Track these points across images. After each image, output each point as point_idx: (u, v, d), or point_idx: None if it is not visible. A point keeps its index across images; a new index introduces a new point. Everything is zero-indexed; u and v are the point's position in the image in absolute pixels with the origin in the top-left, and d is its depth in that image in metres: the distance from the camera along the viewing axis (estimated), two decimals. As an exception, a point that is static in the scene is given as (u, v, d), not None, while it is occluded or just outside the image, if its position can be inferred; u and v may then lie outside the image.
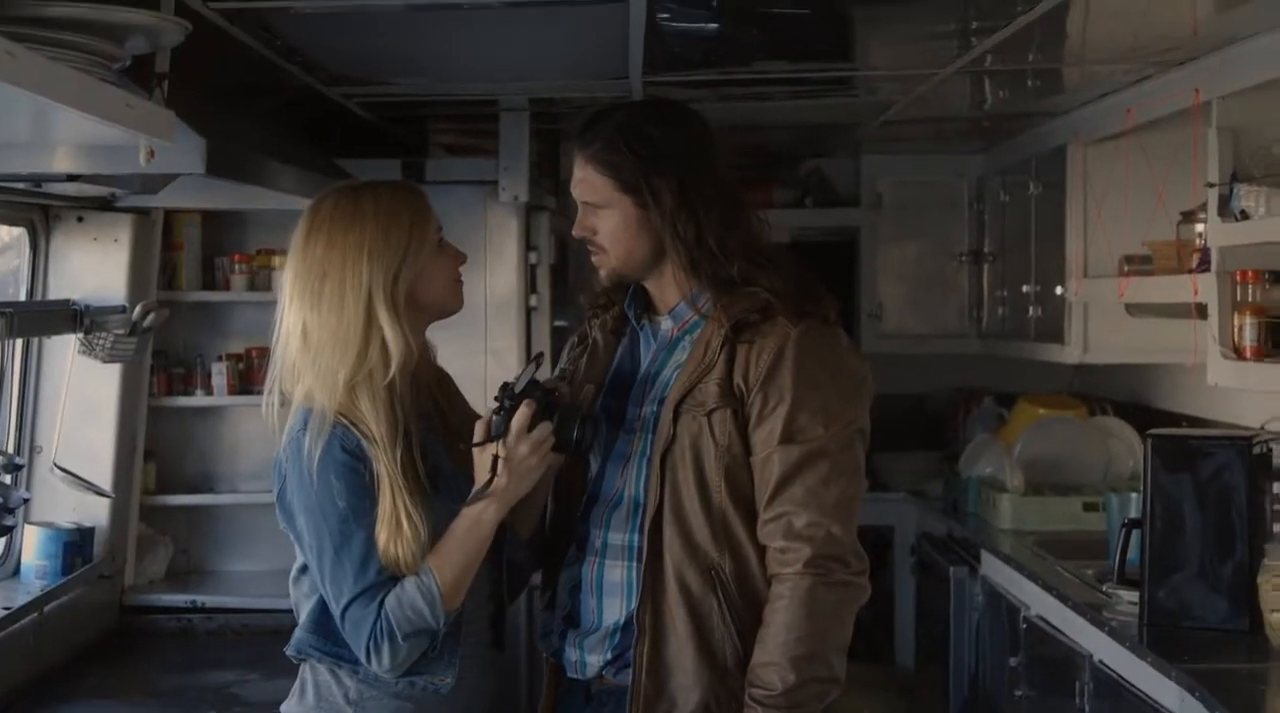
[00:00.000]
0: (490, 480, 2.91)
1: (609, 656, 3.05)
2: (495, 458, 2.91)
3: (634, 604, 3.00)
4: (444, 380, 3.18)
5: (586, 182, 3.08)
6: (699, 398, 2.98)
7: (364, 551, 2.85)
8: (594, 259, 3.14)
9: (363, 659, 2.88)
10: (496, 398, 2.96)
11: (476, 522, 2.92)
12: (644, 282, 3.14)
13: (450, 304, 3.07)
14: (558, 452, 2.99)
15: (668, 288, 3.12)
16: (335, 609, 2.88)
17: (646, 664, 2.97)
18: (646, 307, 3.18)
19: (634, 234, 3.05)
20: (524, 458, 2.92)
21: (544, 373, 3.19)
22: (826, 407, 2.95)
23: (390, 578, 2.86)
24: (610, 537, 3.07)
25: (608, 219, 3.07)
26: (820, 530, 2.91)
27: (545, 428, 2.93)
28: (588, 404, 3.08)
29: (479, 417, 3.06)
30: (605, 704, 3.07)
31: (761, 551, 2.97)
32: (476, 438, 2.94)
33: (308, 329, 2.91)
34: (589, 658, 3.08)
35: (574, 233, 3.15)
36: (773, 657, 2.90)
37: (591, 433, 3.01)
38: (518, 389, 2.95)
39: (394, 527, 2.84)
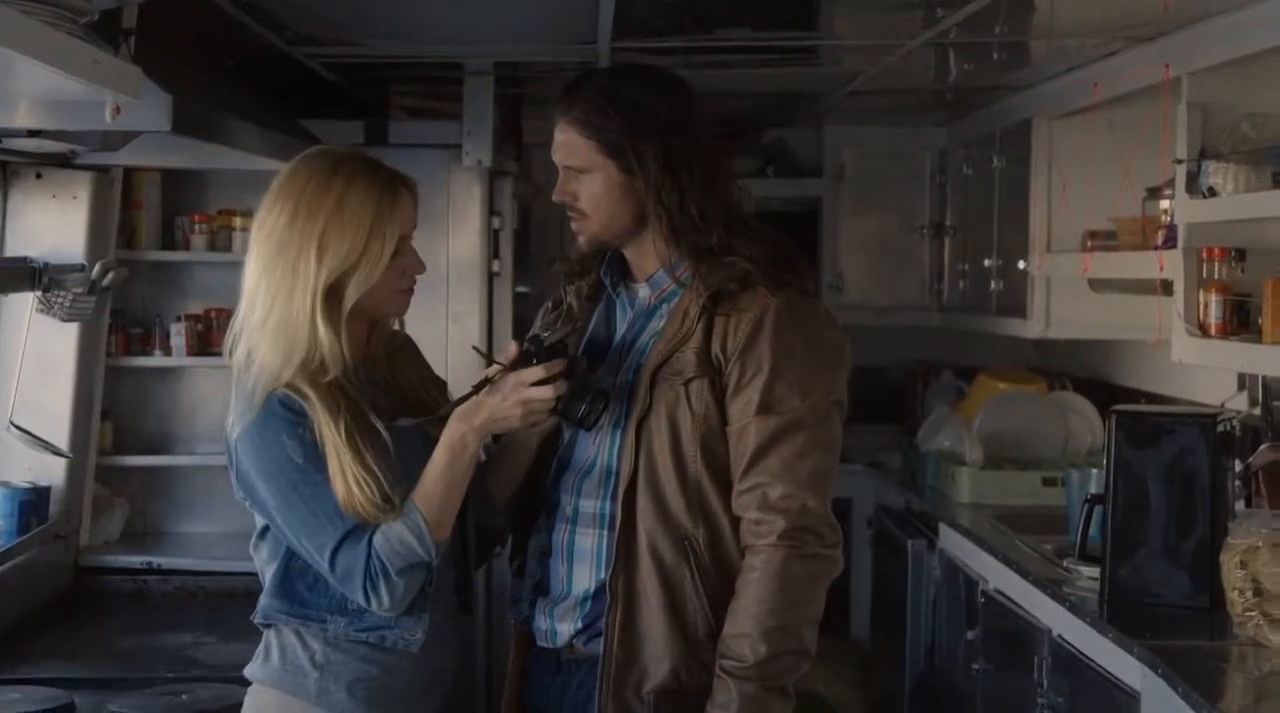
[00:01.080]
0: (470, 394, 2.88)
1: (579, 624, 3.03)
2: (485, 379, 2.89)
3: (605, 573, 2.98)
4: (406, 350, 3.13)
5: (569, 145, 3.04)
6: (676, 367, 2.96)
7: (335, 498, 2.82)
8: (574, 225, 3.09)
9: (362, 602, 2.85)
10: (519, 347, 2.93)
11: (455, 450, 2.88)
12: (623, 248, 3.12)
13: (390, 310, 3.03)
14: (561, 417, 2.95)
15: (647, 255, 3.09)
16: (322, 563, 2.84)
17: (618, 634, 2.95)
18: (624, 274, 3.16)
19: (616, 199, 3.01)
20: (511, 402, 2.87)
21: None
22: (804, 378, 2.93)
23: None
24: (581, 504, 3.04)
25: (590, 184, 3.02)
26: (795, 503, 2.89)
27: (541, 383, 2.87)
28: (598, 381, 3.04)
29: (434, 383, 3.10)
30: (575, 673, 3.05)
31: (735, 521, 2.95)
32: (491, 372, 2.91)
33: (257, 301, 2.87)
34: (559, 626, 3.06)
35: (554, 198, 3.10)
36: (744, 628, 2.88)
37: (600, 411, 2.96)
38: (547, 341, 2.92)
39: (346, 486, 2.81)
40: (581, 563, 3.04)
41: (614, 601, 2.96)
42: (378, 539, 2.83)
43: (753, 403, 2.92)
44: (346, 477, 2.81)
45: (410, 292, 3.01)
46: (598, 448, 3.04)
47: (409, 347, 3.15)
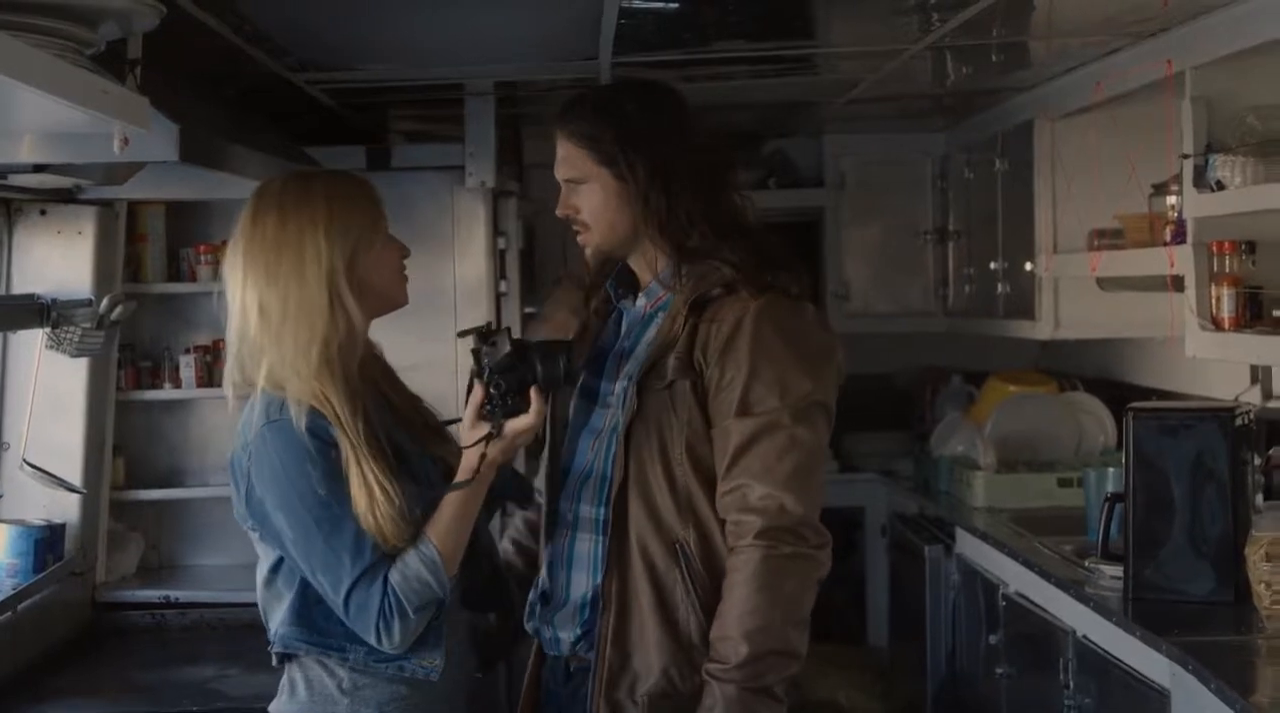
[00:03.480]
0: (479, 468, 2.88)
1: (579, 631, 3.07)
2: (488, 436, 2.89)
3: (600, 577, 3.01)
4: (389, 375, 3.14)
5: (567, 159, 3.11)
6: (660, 371, 3.00)
7: (355, 533, 2.81)
8: (579, 239, 3.16)
9: (371, 641, 2.84)
10: (483, 380, 2.91)
11: (469, 497, 2.89)
12: (627, 259, 3.17)
13: (397, 294, 3.03)
14: (553, 389, 2.98)
15: (645, 265, 3.15)
16: (335, 598, 2.83)
17: (611, 637, 2.99)
18: (631, 286, 3.21)
19: (614, 209, 3.08)
20: (517, 445, 2.94)
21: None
22: (783, 378, 2.95)
23: (385, 555, 2.82)
24: (580, 509, 3.10)
25: (589, 195, 3.09)
26: (773, 503, 2.92)
27: (537, 423, 2.92)
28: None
29: (422, 404, 3.11)
30: (584, 682, 3.07)
31: (724, 524, 2.98)
32: (466, 440, 2.91)
33: (265, 305, 2.86)
34: (560, 634, 3.10)
35: (557, 213, 3.16)
36: (727, 630, 2.91)
37: (568, 358, 2.96)
38: (495, 367, 2.90)
39: (369, 496, 2.80)
40: (579, 569, 3.08)
41: (607, 605, 3.00)
42: (395, 577, 2.82)
43: (732, 404, 2.95)
44: (368, 483, 2.80)
45: (405, 277, 3.03)
46: (595, 454, 3.09)
47: (391, 371, 3.16)
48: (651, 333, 3.09)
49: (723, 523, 2.98)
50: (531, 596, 3.21)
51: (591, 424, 3.13)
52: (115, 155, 2.88)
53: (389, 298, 3.00)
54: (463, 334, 3.01)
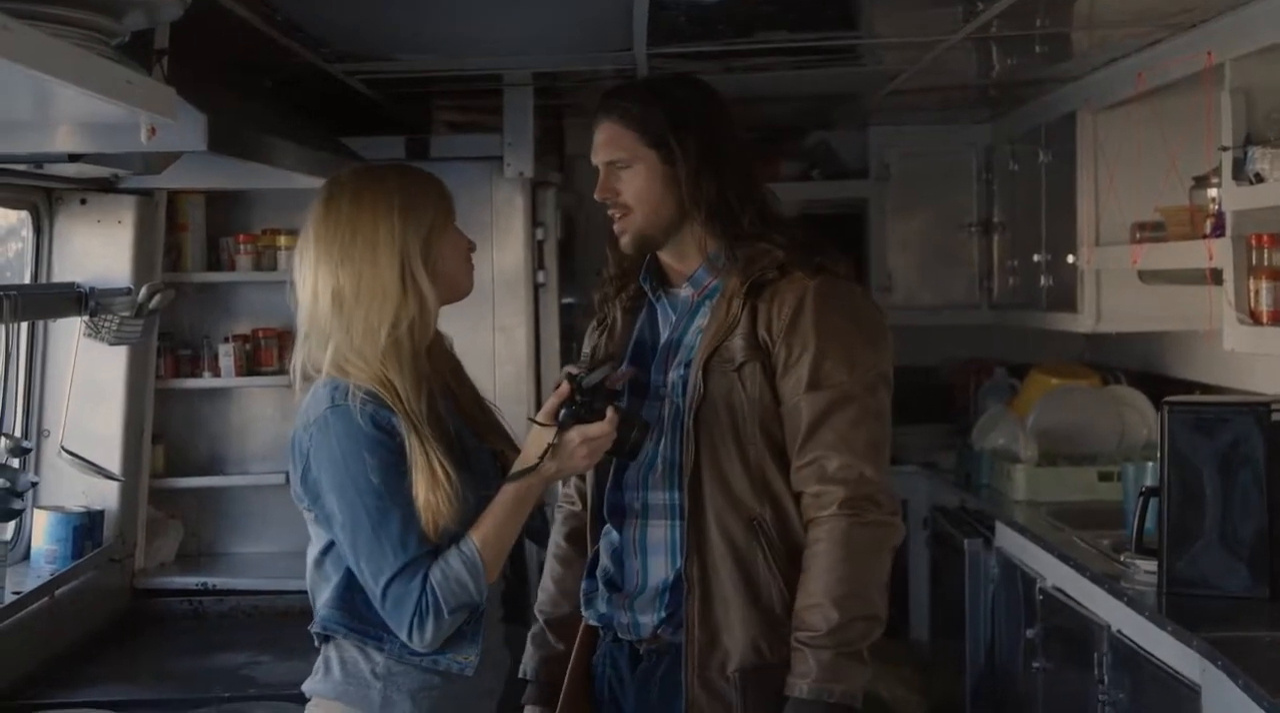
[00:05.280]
0: (538, 464, 2.90)
1: (663, 614, 3.10)
2: (550, 445, 2.89)
3: (680, 562, 3.05)
4: (458, 369, 3.16)
5: (612, 140, 3.13)
6: (726, 355, 3.03)
7: (402, 526, 2.82)
8: (617, 225, 3.16)
9: (403, 636, 2.85)
10: (570, 385, 2.93)
11: (522, 498, 2.91)
12: (663, 250, 3.18)
13: (465, 282, 3.05)
14: (609, 454, 2.98)
15: (687, 253, 3.16)
16: (374, 588, 2.84)
17: (699, 619, 3.02)
18: (662, 280, 3.22)
19: (659, 191, 3.10)
20: (578, 456, 2.92)
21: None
22: (849, 353, 3.01)
23: (428, 552, 2.83)
24: (650, 497, 3.12)
25: (632, 177, 3.11)
26: (853, 472, 2.97)
27: (606, 435, 2.92)
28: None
29: (485, 401, 3.12)
30: (659, 662, 3.11)
31: (799, 498, 3.03)
32: (541, 418, 2.93)
33: (337, 287, 2.88)
34: (641, 619, 3.13)
35: (596, 196, 3.18)
36: (815, 599, 2.94)
37: (644, 441, 3.00)
38: (586, 384, 2.92)
39: (431, 478, 2.81)
40: (656, 555, 3.11)
41: (690, 587, 3.03)
42: (436, 576, 2.83)
43: (802, 380, 3.00)
44: (433, 466, 2.81)
45: (473, 266, 3.06)
46: (656, 444, 3.09)
47: (460, 366, 3.17)
48: (702, 321, 3.11)
49: (797, 497, 3.03)
50: (587, 586, 3.24)
51: (645, 416, 3.11)
52: (143, 145, 2.89)
53: (457, 285, 3.02)
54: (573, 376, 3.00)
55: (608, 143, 3.13)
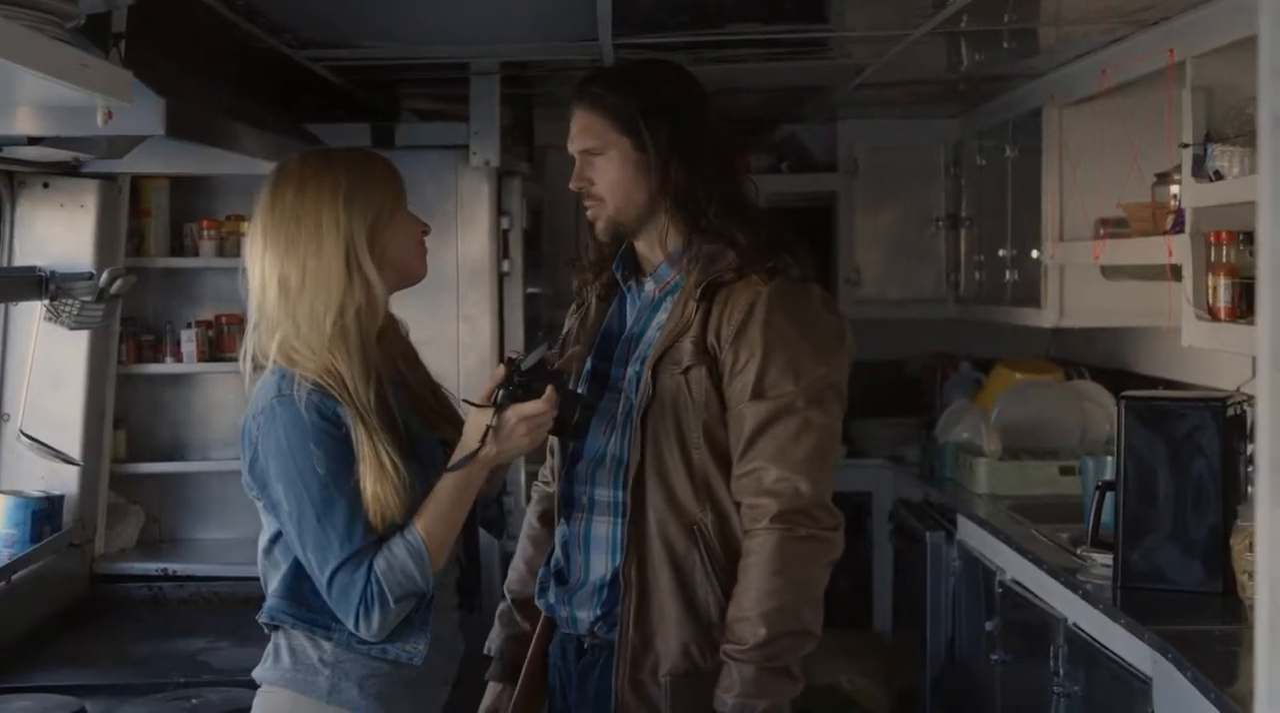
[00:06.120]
0: (478, 450, 2.89)
1: (598, 611, 3.10)
2: (489, 427, 2.89)
3: (619, 560, 3.04)
4: (408, 352, 3.15)
5: (586, 128, 3.12)
6: (675, 356, 3.02)
7: (348, 516, 2.82)
8: (590, 213, 3.17)
9: (350, 625, 2.86)
10: (508, 368, 2.92)
11: (464, 484, 2.91)
12: (637, 238, 3.17)
13: (417, 267, 3.04)
14: (553, 433, 3.00)
15: (656, 245, 3.16)
16: (320, 577, 2.85)
17: (633, 619, 3.02)
18: (635, 269, 3.22)
19: (631, 179, 3.09)
20: (517, 436, 2.90)
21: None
22: (796, 362, 2.99)
23: (374, 542, 2.84)
24: (596, 493, 3.12)
25: (605, 166, 3.10)
26: (789, 486, 2.95)
27: (544, 413, 2.90)
28: (576, 375, 3.10)
29: (438, 387, 3.11)
30: (598, 658, 3.12)
31: (739, 505, 3.02)
32: (477, 400, 2.93)
33: (283, 276, 2.88)
34: (578, 614, 3.13)
35: (571, 185, 3.17)
36: (745, 612, 2.94)
37: (587, 419, 3.00)
38: (524, 366, 2.91)
39: (379, 470, 2.81)
40: (598, 551, 3.11)
41: (627, 587, 3.03)
42: (380, 565, 2.83)
43: (747, 388, 2.98)
44: (380, 458, 2.81)
45: (425, 250, 3.04)
46: (609, 439, 3.10)
47: (411, 350, 3.16)
48: (662, 317, 3.11)
49: (738, 504, 3.02)
50: (542, 574, 3.25)
51: (603, 409, 3.13)
52: (100, 128, 2.88)
53: (408, 270, 3.02)
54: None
55: (581, 131, 3.13)
